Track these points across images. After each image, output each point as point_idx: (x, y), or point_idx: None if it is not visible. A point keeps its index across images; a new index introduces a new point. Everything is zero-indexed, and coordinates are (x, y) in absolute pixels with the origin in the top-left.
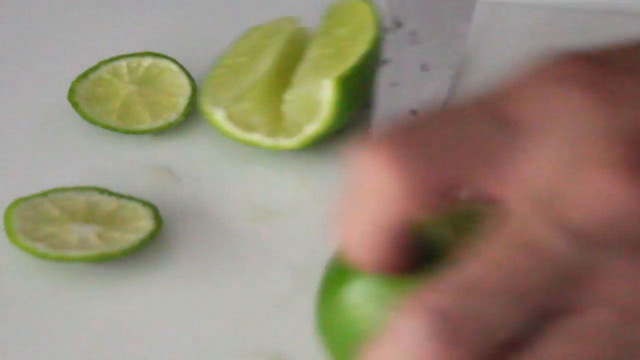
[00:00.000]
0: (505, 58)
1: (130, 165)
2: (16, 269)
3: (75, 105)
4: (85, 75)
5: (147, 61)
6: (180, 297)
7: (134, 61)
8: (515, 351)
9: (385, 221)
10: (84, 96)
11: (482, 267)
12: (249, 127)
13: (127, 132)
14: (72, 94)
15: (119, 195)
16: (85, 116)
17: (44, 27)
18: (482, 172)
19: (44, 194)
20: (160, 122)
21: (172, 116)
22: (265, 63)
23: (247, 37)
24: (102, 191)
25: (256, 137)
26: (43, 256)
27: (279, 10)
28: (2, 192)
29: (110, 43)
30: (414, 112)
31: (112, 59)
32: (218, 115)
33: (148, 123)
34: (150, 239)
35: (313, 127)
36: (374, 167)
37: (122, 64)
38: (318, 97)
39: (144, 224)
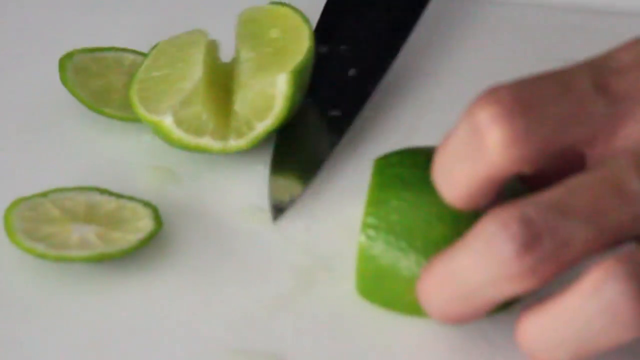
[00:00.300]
0: (504, 56)
1: (130, 165)
2: (16, 269)
3: (62, 68)
4: (91, 50)
5: None
6: (180, 297)
7: (139, 58)
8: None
9: (489, 173)
10: (76, 65)
11: (572, 192)
12: (198, 131)
13: (93, 109)
14: (67, 58)
15: (119, 196)
16: (64, 81)
17: (45, 26)
18: (586, 133)
19: (44, 194)
20: (125, 113)
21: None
22: (196, 71)
23: (159, 52)
24: (102, 191)
25: (205, 142)
26: (43, 256)
27: None
28: (2, 192)
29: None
30: (334, 116)
31: (123, 49)
32: (166, 122)
33: (113, 108)
34: (150, 239)
35: (265, 124)
36: (486, 123)
37: (129, 57)
38: (273, 92)
39: (144, 224)
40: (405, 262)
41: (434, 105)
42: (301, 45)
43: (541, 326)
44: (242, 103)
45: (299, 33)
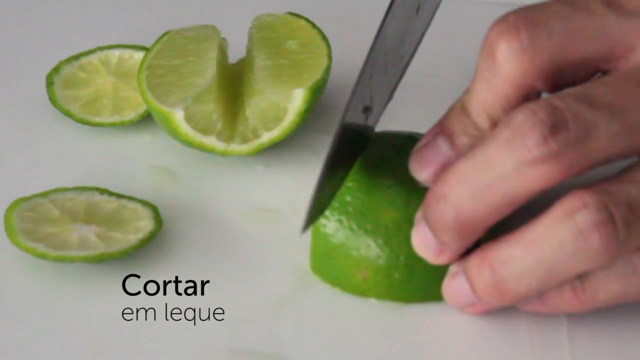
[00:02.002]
0: None
1: (130, 165)
2: (16, 269)
3: (50, 84)
4: (77, 57)
5: (139, 55)
6: (179, 297)
7: (126, 52)
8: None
9: (505, 89)
10: (64, 77)
11: (596, 86)
12: (206, 130)
13: (81, 121)
14: (53, 72)
15: (119, 196)
16: (52, 97)
17: (43, 24)
18: (600, 48)
19: (44, 194)
20: (114, 119)
21: (130, 115)
22: (210, 68)
23: (170, 40)
24: (102, 191)
25: (209, 141)
26: (43, 256)
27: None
28: (2, 192)
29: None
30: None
31: (109, 47)
32: (177, 115)
33: (105, 117)
34: (151, 239)
35: (272, 134)
36: (494, 40)
37: (116, 53)
38: (287, 105)
39: (144, 224)
40: (355, 243)
41: (435, 105)
42: (319, 63)
43: (509, 253)
44: (253, 109)
45: (317, 49)
